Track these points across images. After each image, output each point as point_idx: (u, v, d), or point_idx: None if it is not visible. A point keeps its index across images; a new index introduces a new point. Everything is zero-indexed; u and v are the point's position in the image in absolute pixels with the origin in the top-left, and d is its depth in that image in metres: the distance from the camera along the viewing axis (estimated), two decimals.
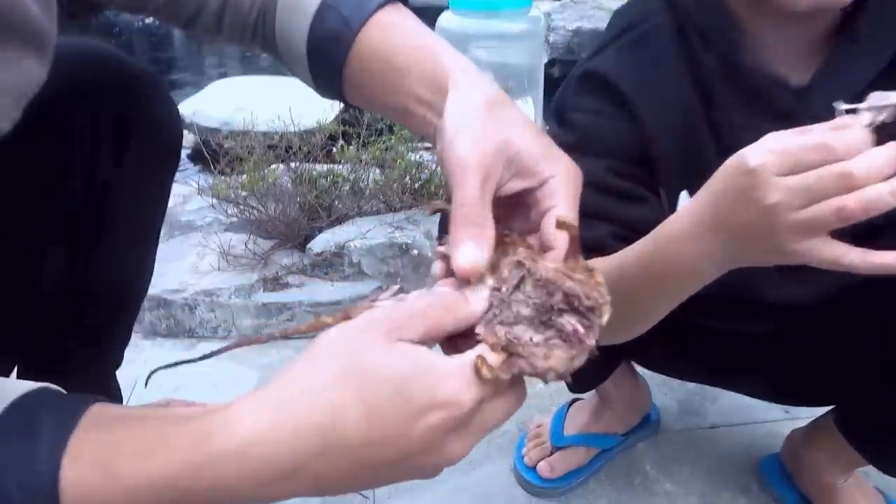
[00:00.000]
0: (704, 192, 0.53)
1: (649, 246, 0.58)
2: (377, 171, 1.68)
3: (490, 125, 0.46)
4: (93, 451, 0.39)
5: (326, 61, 0.59)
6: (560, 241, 0.44)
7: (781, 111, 0.65)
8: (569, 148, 0.72)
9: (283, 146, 1.67)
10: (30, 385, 0.43)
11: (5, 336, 0.80)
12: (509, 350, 0.41)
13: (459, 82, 0.50)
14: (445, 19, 1.81)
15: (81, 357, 0.90)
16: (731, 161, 0.50)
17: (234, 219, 1.65)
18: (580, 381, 1.01)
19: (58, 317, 0.84)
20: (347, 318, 0.42)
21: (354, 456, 0.37)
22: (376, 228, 1.51)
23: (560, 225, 0.44)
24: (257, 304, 1.42)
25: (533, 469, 1.03)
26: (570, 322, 0.41)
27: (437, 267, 0.46)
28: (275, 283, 1.48)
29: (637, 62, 0.70)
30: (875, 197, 0.43)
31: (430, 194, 1.62)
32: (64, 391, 0.45)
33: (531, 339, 0.41)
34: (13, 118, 0.52)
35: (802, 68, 0.66)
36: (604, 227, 0.67)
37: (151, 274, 0.94)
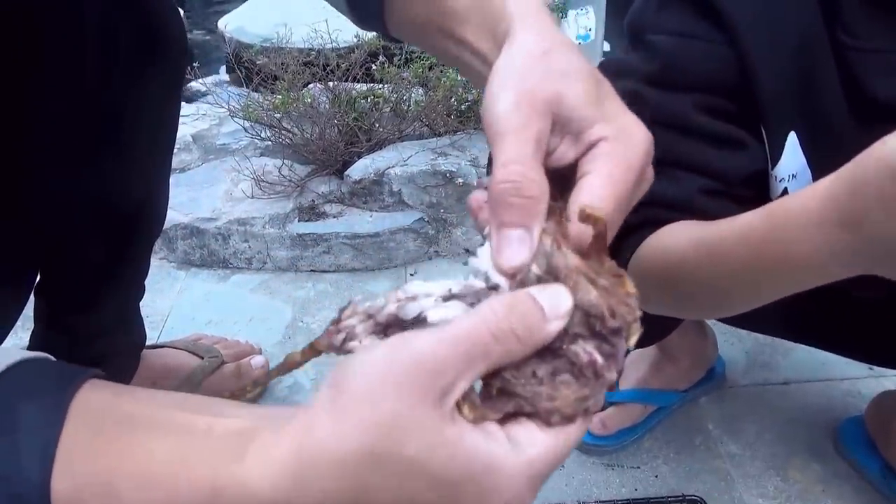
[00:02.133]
0: (840, 176, 0.39)
1: (760, 223, 0.46)
2: (420, 91, 1.55)
3: (541, 78, 0.35)
4: (87, 464, 0.32)
5: None
6: (583, 236, 0.33)
7: None
8: (648, 80, 0.59)
9: (320, 64, 1.55)
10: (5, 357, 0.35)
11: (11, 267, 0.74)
12: (505, 389, 0.31)
13: (517, 32, 0.39)
14: None
15: (97, 288, 0.84)
16: (881, 152, 0.36)
17: (269, 142, 1.56)
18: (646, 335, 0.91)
19: (61, 244, 0.77)
20: (316, 353, 0.34)
21: None
22: (418, 154, 1.39)
23: (585, 217, 0.32)
24: (292, 234, 1.34)
25: None
26: (585, 351, 0.31)
27: (476, 200, 0.35)
28: (311, 213, 1.40)
29: None
30: None
31: (478, 117, 1.49)
32: (48, 357, 0.37)
33: (534, 374, 0.31)
34: None
35: None
36: (692, 181, 0.55)
37: (166, 199, 0.86)
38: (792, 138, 0.56)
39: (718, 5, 0.56)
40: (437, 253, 1.39)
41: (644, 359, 0.97)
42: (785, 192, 0.59)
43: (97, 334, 0.87)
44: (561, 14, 1.53)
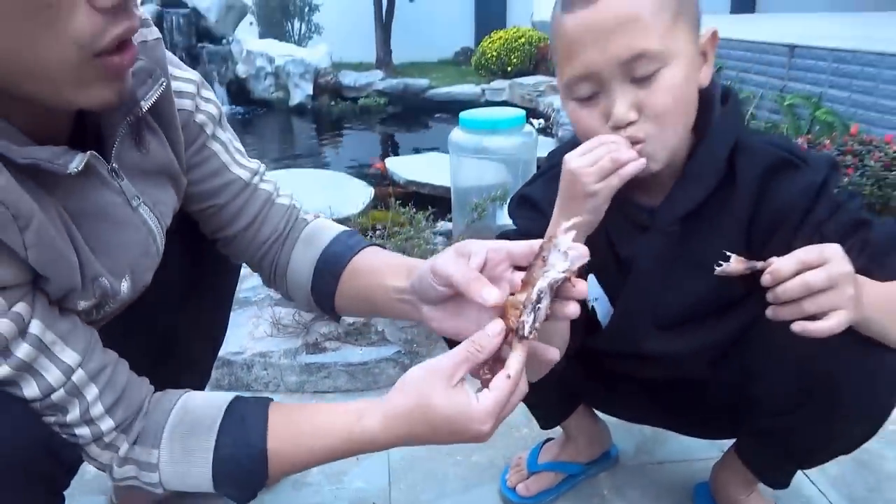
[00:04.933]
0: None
1: None
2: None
3: (450, 252, 0.81)
4: (283, 430, 0.78)
5: (329, 271, 0.99)
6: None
7: (640, 223, 0.99)
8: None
9: None
10: (227, 396, 0.81)
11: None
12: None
13: (423, 265, 0.86)
14: (456, 134, 2.22)
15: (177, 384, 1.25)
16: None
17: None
18: (547, 418, 1.32)
19: (168, 350, 1.18)
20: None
21: (423, 441, 0.74)
22: None
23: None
24: (301, 364, 1.76)
25: (513, 490, 1.33)
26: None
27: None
28: (315, 348, 1.83)
29: (555, 190, 1.05)
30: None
31: None
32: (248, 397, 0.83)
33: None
34: (167, 224, 0.90)
35: (657, 197, 0.99)
36: None
37: (226, 328, 1.30)
38: (591, 277, 1.03)
39: (543, 209, 1.03)
40: None
41: (555, 442, 1.38)
42: (593, 308, 1.05)
43: None
44: None
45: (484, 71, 6.87)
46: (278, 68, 7.03)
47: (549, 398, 1.24)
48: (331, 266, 0.99)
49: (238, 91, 7.24)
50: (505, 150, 2.10)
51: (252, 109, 7.11)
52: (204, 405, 0.82)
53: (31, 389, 0.71)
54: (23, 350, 0.69)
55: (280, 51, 7.13)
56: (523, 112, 2.17)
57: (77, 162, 0.70)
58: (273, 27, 8.39)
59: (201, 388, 1.34)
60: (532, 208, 1.07)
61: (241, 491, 0.81)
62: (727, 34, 3.82)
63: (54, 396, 0.72)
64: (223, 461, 0.78)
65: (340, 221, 2.22)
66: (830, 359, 0.88)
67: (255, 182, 1.02)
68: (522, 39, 6.60)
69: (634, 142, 0.88)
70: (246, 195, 1.01)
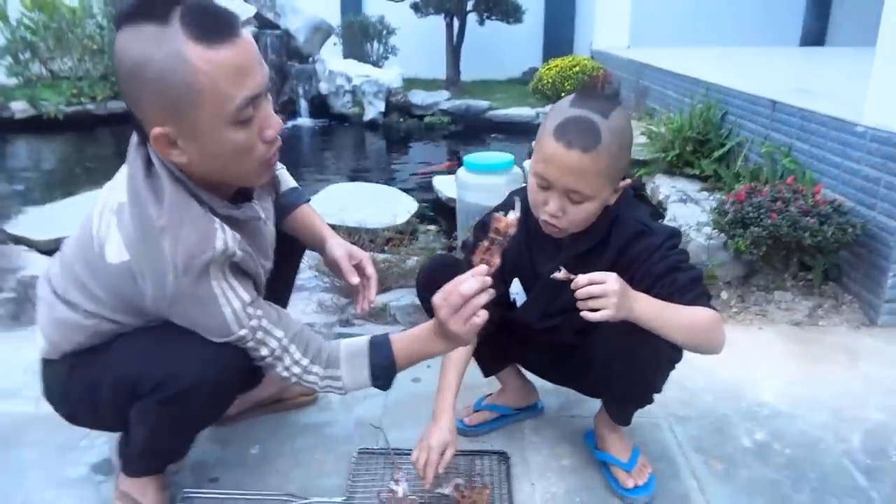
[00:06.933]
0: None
1: None
2: (415, 259, 2.72)
3: (343, 246, 1.59)
4: (399, 346, 1.46)
5: (283, 208, 1.71)
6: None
7: (549, 255, 1.59)
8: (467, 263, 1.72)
9: (363, 240, 2.75)
10: (366, 336, 1.50)
11: None
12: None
13: (329, 237, 1.64)
14: (461, 173, 2.91)
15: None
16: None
17: (327, 284, 2.73)
18: (488, 368, 1.96)
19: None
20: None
21: (446, 337, 1.38)
22: (407, 295, 2.53)
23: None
24: (335, 333, 2.45)
25: (461, 421, 1.97)
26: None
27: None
28: (347, 323, 2.52)
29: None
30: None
31: None
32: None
33: None
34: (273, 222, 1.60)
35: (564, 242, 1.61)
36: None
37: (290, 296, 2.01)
38: (516, 280, 1.66)
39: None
40: None
41: (495, 393, 2.01)
42: (514, 299, 1.67)
43: None
44: None
45: (540, 95, 7.45)
46: (355, 87, 7.84)
47: (486, 354, 1.88)
48: (285, 204, 1.70)
49: (319, 105, 8.12)
50: (497, 186, 2.75)
51: (330, 123, 7.98)
52: (355, 342, 1.44)
53: (264, 351, 1.33)
54: (259, 333, 1.31)
55: (358, 71, 7.95)
56: (512, 157, 2.82)
57: (257, 213, 1.39)
58: (355, 48, 9.26)
59: None
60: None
61: (385, 381, 1.44)
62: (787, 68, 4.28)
63: (276, 352, 1.35)
64: (375, 367, 1.42)
65: (384, 228, 2.93)
66: (621, 339, 1.48)
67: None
68: (577, 69, 7.14)
69: (556, 226, 1.50)
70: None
